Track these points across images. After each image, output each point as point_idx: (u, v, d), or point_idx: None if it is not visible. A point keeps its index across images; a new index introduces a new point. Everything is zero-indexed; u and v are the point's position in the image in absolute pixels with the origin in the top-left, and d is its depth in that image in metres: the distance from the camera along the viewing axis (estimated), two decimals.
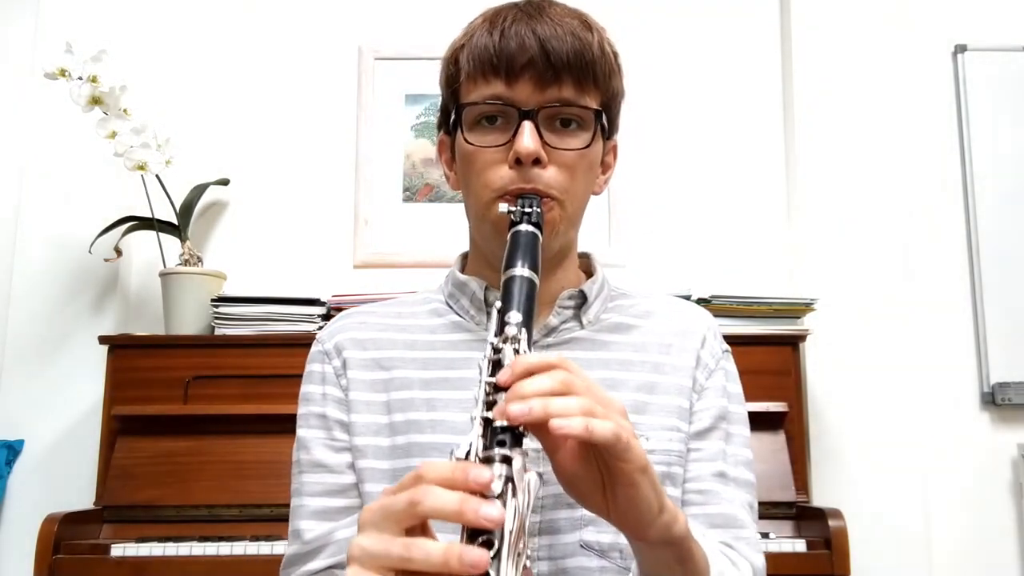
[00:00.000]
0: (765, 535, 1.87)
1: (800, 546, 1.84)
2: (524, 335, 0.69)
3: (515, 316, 0.70)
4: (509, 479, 0.59)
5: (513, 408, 0.60)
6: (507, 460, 0.60)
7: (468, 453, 0.62)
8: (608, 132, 0.90)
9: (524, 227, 0.78)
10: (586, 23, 0.87)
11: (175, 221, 2.24)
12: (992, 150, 2.41)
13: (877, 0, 2.41)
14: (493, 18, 0.86)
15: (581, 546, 0.81)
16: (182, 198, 2.26)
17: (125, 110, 2.11)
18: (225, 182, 2.38)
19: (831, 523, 1.83)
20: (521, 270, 0.74)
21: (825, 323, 2.19)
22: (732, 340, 2.28)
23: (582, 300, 0.91)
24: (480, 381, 0.66)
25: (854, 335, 2.24)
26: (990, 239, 2.37)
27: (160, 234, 2.24)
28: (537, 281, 0.74)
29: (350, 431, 0.88)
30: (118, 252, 2.20)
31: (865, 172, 2.33)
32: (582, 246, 0.96)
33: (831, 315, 2.21)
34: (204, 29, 2.50)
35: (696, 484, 0.88)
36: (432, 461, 0.59)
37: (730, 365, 0.96)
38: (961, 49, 2.46)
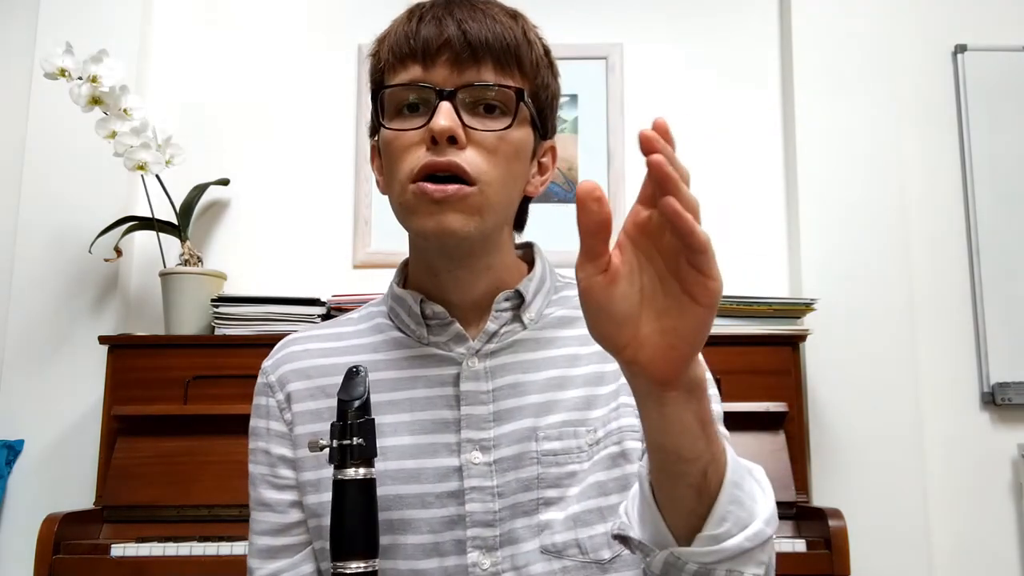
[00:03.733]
0: None
1: (800, 546, 1.84)
2: None
3: None
4: None
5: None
6: None
7: None
8: (543, 130, 0.87)
9: (351, 474, 0.70)
10: (513, 14, 0.85)
11: (175, 221, 2.24)
12: (992, 150, 2.40)
13: (877, 0, 2.41)
14: (413, 9, 0.85)
15: (541, 551, 0.81)
16: (182, 198, 2.26)
17: (125, 110, 2.11)
18: (225, 182, 2.38)
19: (831, 523, 1.83)
20: (356, 566, 0.69)
21: (825, 323, 2.19)
22: (732, 340, 2.27)
23: (520, 300, 0.88)
24: None
25: (854, 335, 2.24)
26: (990, 239, 2.36)
27: (160, 234, 2.24)
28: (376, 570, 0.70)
29: (298, 467, 0.87)
30: (118, 252, 2.20)
31: (865, 172, 2.33)
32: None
33: (831, 315, 2.20)
34: (204, 29, 2.50)
35: None
36: None
37: None
38: (961, 49, 2.46)
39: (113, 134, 2.09)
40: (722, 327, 2.10)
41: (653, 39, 2.49)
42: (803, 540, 1.85)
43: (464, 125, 0.78)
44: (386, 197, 0.86)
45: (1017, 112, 2.42)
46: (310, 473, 0.86)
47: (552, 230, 2.43)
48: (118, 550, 1.81)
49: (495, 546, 0.81)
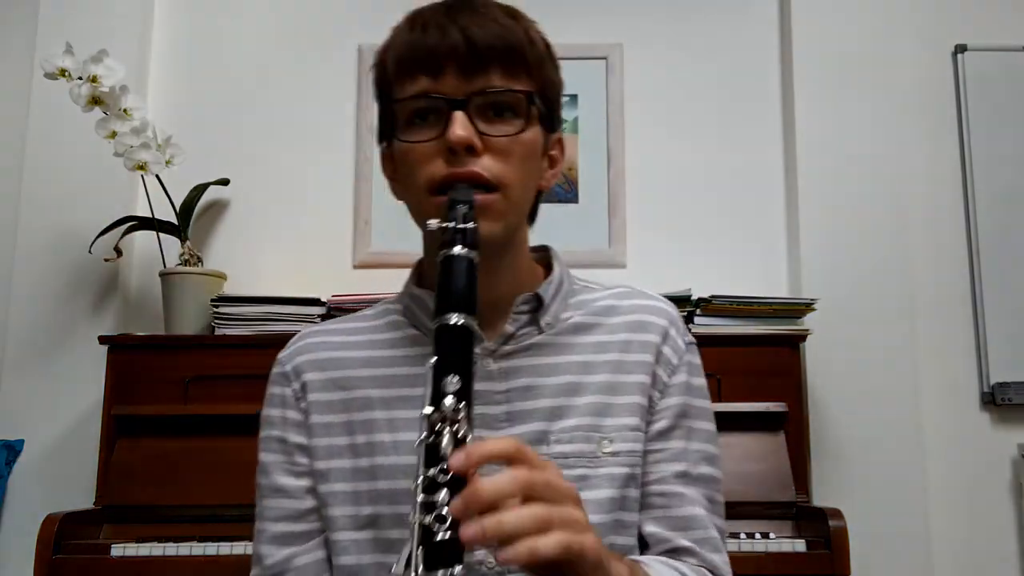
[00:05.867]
0: (765, 535, 1.87)
1: (800, 546, 1.84)
2: (464, 411, 0.64)
3: (452, 384, 0.64)
4: None
5: (467, 532, 0.59)
6: None
7: (407, 566, 0.60)
8: (551, 124, 0.88)
9: (458, 251, 0.70)
10: (512, 13, 0.85)
11: (175, 221, 2.24)
12: (992, 150, 2.40)
13: (877, 0, 2.41)
14: (415, 17, 0.85)
15: None
16: (182, 198, 2.26)
17: (125, 110, 2.11)
18: (225, 182, 2.38)
19: (831, 523, 1.83)
20: (457, 318, 0.67)
21: (825, 323, 2.19)
22: (732, 340, 2.27)
23: (538, 303, 0.88)
24: (418, 475, 0.62)
25: (854, 335, 2.24)
26: (990, 239, 2.36)
27: (160, 234, 2.24)
28: (475, 328, 0.68)
29: (311, 455, 0.88)
30: (118, 252, 2.20)
31: (865, 172, 2.33)
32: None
33: (831, 315, 2.20)
34: (204, 29, 2.50)
35: (659, 487, 0.87)
36: None
37: (695, 358, 0.93)
38: (961, 49, 2.46)
39: (113, 134, 2.09)
40: (722, 327, 2.10)
41: (653, 39, 2.49)
42: (803, 540, 1.85)
43: (479, 132, 0.80)
44: (391, 198, 0.89)
45: (1017, 112, 2.42)
46: (322, 463, 0.87)
47: (552, 230, 2.44)
48: (118, 550, 1.81)
49: None
